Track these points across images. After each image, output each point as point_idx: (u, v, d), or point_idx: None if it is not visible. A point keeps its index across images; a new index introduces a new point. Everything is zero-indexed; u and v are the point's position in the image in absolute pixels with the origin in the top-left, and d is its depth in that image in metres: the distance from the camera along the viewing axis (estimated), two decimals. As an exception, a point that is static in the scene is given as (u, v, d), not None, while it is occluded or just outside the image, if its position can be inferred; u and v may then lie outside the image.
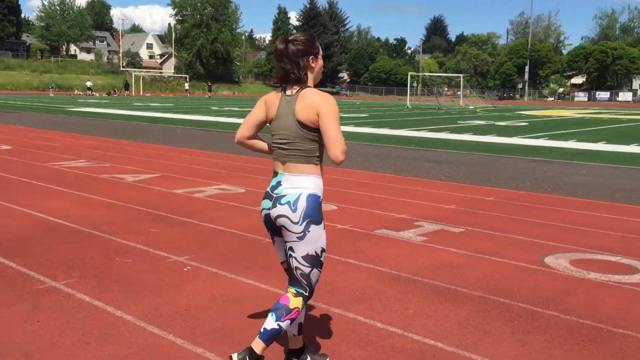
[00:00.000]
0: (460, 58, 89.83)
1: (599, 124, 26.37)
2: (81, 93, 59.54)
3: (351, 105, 47.30)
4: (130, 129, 19.49)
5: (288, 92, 2.86)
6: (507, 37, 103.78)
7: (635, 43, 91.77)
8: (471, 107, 44.10)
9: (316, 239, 2.79)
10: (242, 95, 75.93)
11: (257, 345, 2.79)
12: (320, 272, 2.87)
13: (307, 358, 3.06)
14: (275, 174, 2.91)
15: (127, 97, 54.57)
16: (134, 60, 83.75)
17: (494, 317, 3.86)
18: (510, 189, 8.87)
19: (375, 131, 20.29)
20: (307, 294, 2.87)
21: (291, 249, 2.83)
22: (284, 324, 2.79)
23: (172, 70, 79.36)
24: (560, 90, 79.48)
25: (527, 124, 25.63)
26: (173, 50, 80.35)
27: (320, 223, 2.82)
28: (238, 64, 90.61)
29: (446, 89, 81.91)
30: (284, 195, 2.80)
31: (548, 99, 75.05)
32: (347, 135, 18.39)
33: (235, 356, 2.77)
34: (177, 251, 5.16)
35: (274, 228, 2.89)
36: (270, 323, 2.79)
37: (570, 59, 78.36)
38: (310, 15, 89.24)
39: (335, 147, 2.72)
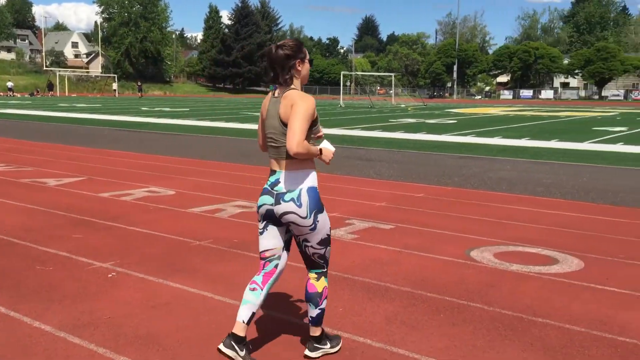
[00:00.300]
0: (392, 57, 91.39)
1: (523, 120, 27.45)
2: (1, 94, 56.76)
3: (285, 104, 47.18)
4: (54, 130, 18.73)
5: (276, 94, 3.10)
6: (436, 37, 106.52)
7: (555, 43, 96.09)
8: (403, 106, 44.96)
9: (324, 224, 3.13)
10: (174, 95, 74.48)
11: (314, 332, 3.23)
12: (330, 246, 3.25)
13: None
14: (273, 172, 3.12)
15: (51, 98, 52.45)
16: (58, 60, 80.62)
17: (422, 311, 3.93)
18: (439, 185, 9.08)
19: (308, 130, 20.31)
20: (325, 269, 3.26)
21: (306, 240, 3.15)
22: (324, 305, 3.21)
23: (100, 70, 76.82)
24: (487, 88, 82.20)
25: (455, 121, 26.36)
26: (100, 49, 77.86)
27: (324, 210, 3.15)
28: (169, 63, 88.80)
29: (379, 87, 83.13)
30: (286, 192, 3.05)
31: (476, 97, 77.48)
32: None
33: (307, 351, 3.21)
34: (101, 257, 4.99)
35: (274, 220, 3.12)
36: (313, 311, 3.20)
37: (495, 59, 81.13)
38: (242, 14, 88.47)
39: (293, 138, 2.90)
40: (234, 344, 3.04)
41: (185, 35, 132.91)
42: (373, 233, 6.05)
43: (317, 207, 3.08)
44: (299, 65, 3.06)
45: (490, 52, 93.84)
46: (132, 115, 28.41)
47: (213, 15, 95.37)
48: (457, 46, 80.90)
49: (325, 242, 3.18)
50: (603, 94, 72.73)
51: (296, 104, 2.95)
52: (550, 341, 3.48)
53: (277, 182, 3.08)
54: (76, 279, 4.41)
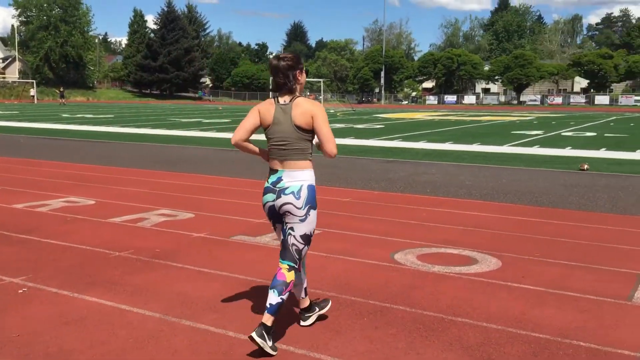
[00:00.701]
0: (321, 63, 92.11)
1: (447, 125, 28.28)
2: None
3: (214, 110, 46.68)
4: (-35, 139, 17.68)
5: (281, 102, 3.44)
6: (364, 44, 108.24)
7: (476, 50, 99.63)
8: (332, 111, 45.34)
9: (312, 220, 3.46)
10: (98, 102, 72.11)
11: (268, 319, 3.32)
12: (308, 247, 3.53)
13: (315, 309, 3.77)
14: (275, 171, 3.47)
15: (-37, 105, 49.55)
16: (-29, 64, 76.36)
17: (346, 315, 3.94)
18: (366, 190, 9.19)
19: (236, 136, 20.13)
20: (296, 266, 3.51)
21: (292, 229, 3.45)
22: (285, 296, 3.38)
23: (17, 75, 73.33)
24: (413, 94, 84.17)
25: (383, 126, 26.83)
26: (17, 54, 74.35)
27: (316, 208, 3.48)
28: (92, 68, 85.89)
29: (308, 93, 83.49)
30: (287, 187, 3.40)
31: (403, 102, 79.22)
32: (208, 141, 18.09)
33: (254, 334, 3.24)
34: (12, 272, 4.72)
35: (277, 216, 3.51)
36: (273, 298, 3.35)
37: (420, 65, 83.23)
38: (168, 19, 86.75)
39: (329, 143, 3.39)
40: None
41: (108, 40, 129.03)
42: (299, 239, 6.02)
43: (312, 203, 3.43)
44: (299, 75, 3.44)
45: (416, 58, 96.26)
46: (52, 122, 27.27)
47: (138, 20, 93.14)
48: (383, 53, 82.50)
49: (307, 239, 3.47)
50: (521, 99, 76.00)
51: (317, 113, 3.38)
52: (469, 340, 3.57)
53: (279, 180, 3.43)
54: (-17, 297, 4.15)
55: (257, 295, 4.30)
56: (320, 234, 6.24)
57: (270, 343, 3.27)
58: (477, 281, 4.72)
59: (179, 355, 3.29)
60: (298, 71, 3.45)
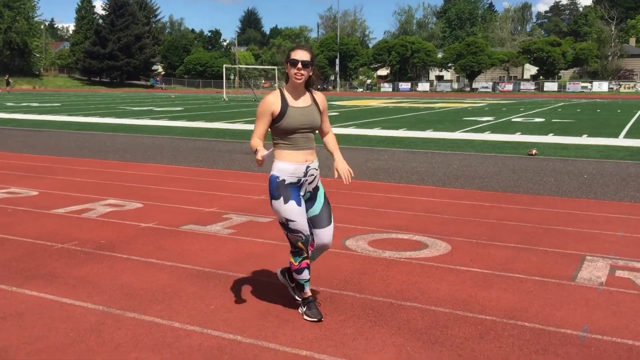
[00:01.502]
0: (275, 50, 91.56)
1: (401, 112, 28.50)
2: None
3: (166, 98, 45.83)
4: None
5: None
6: (318, 31, 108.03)
7: (429, 38, 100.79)
8: (286, 99, 45.12)
9: (276, 210, 3.60)
10: (45, 90, 69.83)
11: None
12: (292, 236, 3.61)
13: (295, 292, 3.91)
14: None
15: None
16: None
17: (295, 304, 3.89)
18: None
19: (189, 124, 19.83)
20: (291, 250, 3.67)
21: None
22: (294, 277, 3.75)
23: (-42, 63, 70.26)
24: (369, 81, 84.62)
25: (337, 114, 26.85)
26: (-43, 40, 71.20)
27: (277, 198, 3.58)
28: (38, 55, 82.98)
29: (263, 81, 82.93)
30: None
31: (358, 90, 79.51)
32: (159, 130, 17.72)
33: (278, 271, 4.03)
34: (-55, 267, 4.50)
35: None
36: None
37: (375, 52, 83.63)
38: (117, 5, 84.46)
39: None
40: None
41: (55, 26, 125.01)
42: (250, 227, 5.96)
43: (270, 193, 3.60)
44: (286, 68, 3.58)
45: (370, 46, 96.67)
46: (-5, 111, 26.25)
47: (85, 5, 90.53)
48: (338, 40, 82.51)
49: (283, 226, 3.61)
50: (474, 86, 77.33)
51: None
52: (417, 324, 3.58)
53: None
54: None
55: (204, 285, 4.21)
56: (272, 221, 6.18)
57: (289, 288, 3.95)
58: (427, 265, 4.75)
59: (121, 349, 3.19)
60: (285, 64, 3.60)
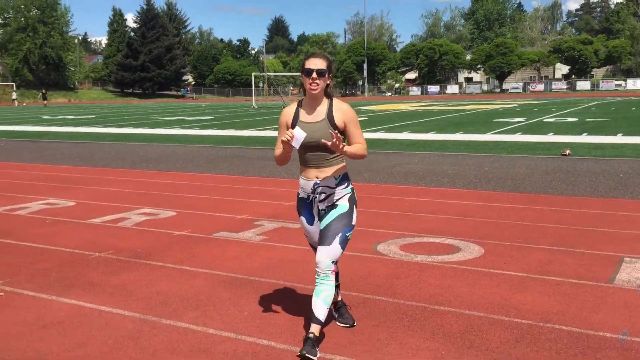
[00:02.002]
0: (303, 57, 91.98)
1: (430, 115, 28.32)
2: None
3: (196, 107, 46.39)
4: (-57, 144, 17.41)
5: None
6: (345, 37, 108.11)
7: (457, 40, 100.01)
8: (315, 105, 45.23)
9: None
10: (80, 103, 71.38)
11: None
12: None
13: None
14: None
15: (-58, 110, 48.81)
16: (-52, 69, 75.22)
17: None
18: (348, 182, 9.15)
19: (220, 133, 20.05)
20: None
21: None
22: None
23: (-4, 78, 72.31)
24: (397, 85, 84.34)
25: (366, 118, 26.82)
26: (-5, 57, 73.31)
27: (299, 215, 3.57)
28: (72, 69, 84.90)
29: (292, 88, 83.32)
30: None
31: (386, 94, 79.32)
32: (190, 139, 17.95)
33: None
34: (-12, 277, 4.64)
35: None
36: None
37: (403, 56, 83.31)
38: (148, 17, 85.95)
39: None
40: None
41: (88, 40, 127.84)
42: (282, 233, 5.99)
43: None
44: (303, 79, 3.37)
45: (398, 49, 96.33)
46: (33, 124, 26.95)
47: (117, 19, 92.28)
48: (365, 45, 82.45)
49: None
50: (504, 87, 76.40)
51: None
52: (451, 328, 3.56)
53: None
54: (-42, 303, 4.07)
55: (237, 292, 4.26)
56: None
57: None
58: (460, 269, 4.71)
59: (158, 355, 3.25)
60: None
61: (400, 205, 7.36)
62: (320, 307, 3.24)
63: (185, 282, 4.50)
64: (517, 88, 74.17)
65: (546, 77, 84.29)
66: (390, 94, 79.92)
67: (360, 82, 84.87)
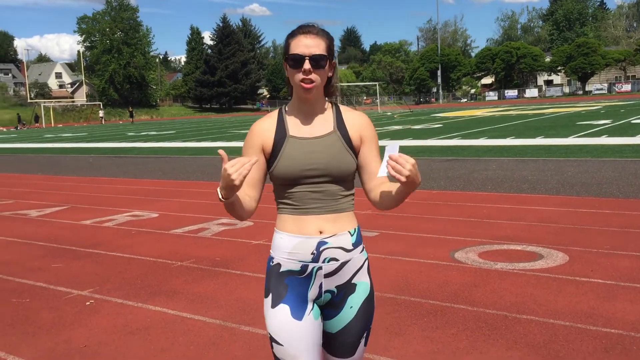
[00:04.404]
0: (376, 67, 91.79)
1: (508, 120, 27.53)
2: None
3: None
4: (38, 161, 18.60)
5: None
6: (418, 44, 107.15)
7: (536, 42, 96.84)
8: (389, 114, 45.09)
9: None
10: (161, 119, 74.41)
11: None
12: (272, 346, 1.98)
13: None
14: None
15: (37, 130, 52.26)
16: (42, 91, 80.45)
17: (405, 317, 3.87)
18: (424, 189, 9.04)
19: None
20: None
21: None
22: None
23: (85, 99, 76.71)
24: (472, 91, 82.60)
25: (441, 125, 26.41)
26: (84, 78, 77.81)
27: (267, 295, 2.04)
28: (154, 87, 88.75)
29: (365, 97, 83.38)
30: None
31: (461, 100, 77.82)
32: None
33: None
34: (79, 285, 4.90)
35: None
36: None
37: (478, 61, 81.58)
38: (223, 34, 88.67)
39: None
40: None
41: (169, 59, 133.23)
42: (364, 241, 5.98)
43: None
44: (286, 71, 2.01)
45: (473, 55, 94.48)
46: (118, 141, 28.32)
47: (195, 37, 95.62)
48: (439, 51, 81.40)
49: (271, 341, 1.99)
50: (587, 88, 73.22)
51: None
52: (535, 337, 3.43)
53: None
54: (53, 309, 4.32)
55: (315, 299, 4.28)
56: (379, 235, 6.18)
57: None
58: (543, 277, 4.53)
59: (238, 361, 3.32)
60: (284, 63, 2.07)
61: (478, 212, 7.18)
62: None
63: (263, 290, 4.57)
64: (601, 89, 70.88)
65: (633, 76, 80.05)
66: (465, 100, 78.38)
67: (434, 89, 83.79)
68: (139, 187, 11.26)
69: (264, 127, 2.03)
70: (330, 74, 2.00)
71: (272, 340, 1.96)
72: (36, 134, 43.02)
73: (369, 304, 2.05)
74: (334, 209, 2.00)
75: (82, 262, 5.67)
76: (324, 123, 2.01)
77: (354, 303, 2.01)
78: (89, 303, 4.44)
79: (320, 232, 1.97)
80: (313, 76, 1.92)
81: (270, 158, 2.00)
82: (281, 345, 1.92)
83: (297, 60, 1.92)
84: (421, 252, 5.42)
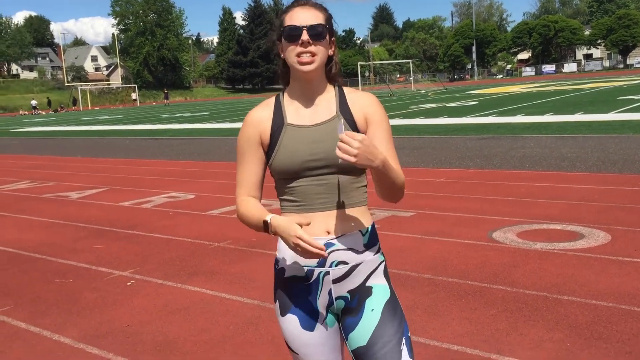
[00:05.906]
0: (409, 44, 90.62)
1: (546, 96, 26.92)
2: (27, 113, 57.89)
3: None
4: (76, 145, 18.99)
5: None
6: (452, 20, 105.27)
7: (574, 15, 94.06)
8: (423, 92, 44.54)
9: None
10: (195, 100, 75.05)
11: None
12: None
13: None
14: None
15: (74, 113, 53.30)
16: (79, 75, 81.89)
17: (443, 298, 3.84)
18: (460, 168, 8.93)
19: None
20: None
21: None
22: None
23: (120, 81, 77.86)
24: (508, 67, 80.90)
25: (477, 102, 25.98)
26: (119, 61, 78.81)
27: (274, 302, 1.87)
28: (187, 68, 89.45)
29: (398, 75, 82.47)
30: None
31: (497, 77, 76.33)
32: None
33: None
34: (121, 266, 5.00)
35: None
36: None
37: (514, 36, 79.79)
38: (255, 14, 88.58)
39: None
40: None
41: (201, 40, 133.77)
42: (392, 222, 5.96)
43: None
44: (280, 50, 1.86)
45: (509, 29, 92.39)
46: (153, 123, 28.68)
47: (227, 17, 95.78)
48: (474, 27, 79.80)
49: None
50: (628, 62, 70.99)
51: None
52: (577, 319, 3.37)
53: None
54: (95, 290, 4.42)
55: (352, 280, 4.28)
56: (415, 215, 6.13)
57: None
58: (584, 257, 4.44)
59: (276, 342, 3.34)
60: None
61: (516, 191, 7.06)
62: None
63: (300, 270, 4.60)
64: (643, 62, 68.64)
65: (677, 48, 77.18)
66: (501, 76, 76.86)
67: (469, 66, 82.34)
68: (175, 168, 11.40)
69: (260, 116, 1.84)
70: (331, 52, 1.81)
71: (287, 345, 1.83)
72: (74, 116, 43.87)
73: (394, 308, 1.77)
74: (342, 204, 1.78)
75: (122, 243, 5.78)
76: (326, 107, 1.80)
77: (374, 306, 1.75)
78: (130, 283, 4.53)
79: (328, 232, 1.75)
80: (313, 48, 1.72)
81: (268, 150, 1.82)
82: (296, 353, 1.80)
83: (293, 33, 1.73)
84: (458, 232, 5.36)
